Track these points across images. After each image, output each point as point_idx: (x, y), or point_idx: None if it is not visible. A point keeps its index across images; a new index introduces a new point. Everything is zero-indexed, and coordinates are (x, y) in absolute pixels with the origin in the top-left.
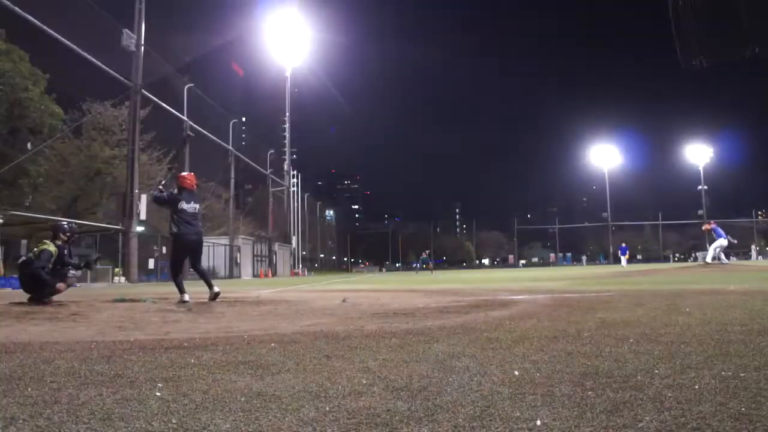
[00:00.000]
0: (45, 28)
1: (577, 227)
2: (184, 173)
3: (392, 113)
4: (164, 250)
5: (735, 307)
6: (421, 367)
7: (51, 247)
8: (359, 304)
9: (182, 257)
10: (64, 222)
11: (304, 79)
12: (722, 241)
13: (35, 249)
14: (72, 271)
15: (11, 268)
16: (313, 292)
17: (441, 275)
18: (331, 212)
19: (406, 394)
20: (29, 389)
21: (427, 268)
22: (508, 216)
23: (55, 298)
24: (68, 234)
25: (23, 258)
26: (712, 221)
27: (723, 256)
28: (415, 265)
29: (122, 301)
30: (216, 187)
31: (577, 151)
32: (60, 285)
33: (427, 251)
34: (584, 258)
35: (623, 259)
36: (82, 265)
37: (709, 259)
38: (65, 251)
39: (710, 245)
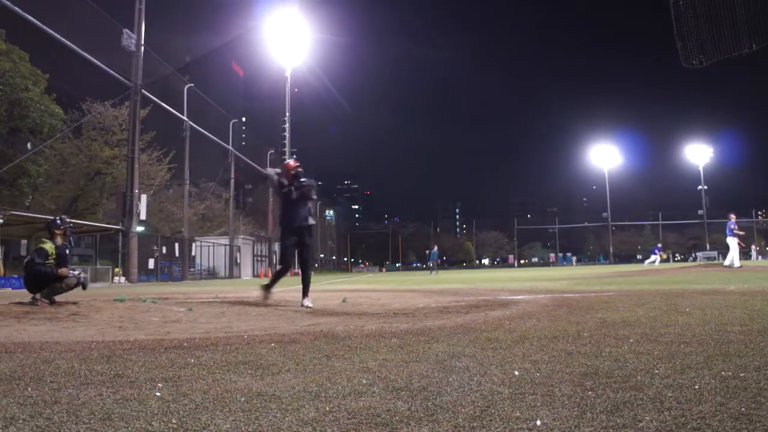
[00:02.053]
0: (45, 28)
1: (577, 227)
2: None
3: (392, 113)
4: (164, 250)
5: (735, 307)
6: (421, 367)
7: (47, 245)
8: (359, 304)
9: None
10: (57, 217)
11: (304, 79)
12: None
13: (33, 249)
14: (74, 272)
15: (11, 268)
16: (313, 292)
17: (441, 275)
18: (331, 212)
19: (406, 394)
20: (29, 389)
21: (436, 266)
22: (508, 216)
23: (59, 298)
24: (62, 227)
25: (27, 258)
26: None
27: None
28: (430, 263)
29: (122, 301)
30: (216, 187)
31: (577, 151)
32: (62, 270)
33: (436, 246)
34: (574, 258)
35: (654, 258)
36: (80, 279)
37: (737, 263)
38: (66, 250)
39: (730, 246)
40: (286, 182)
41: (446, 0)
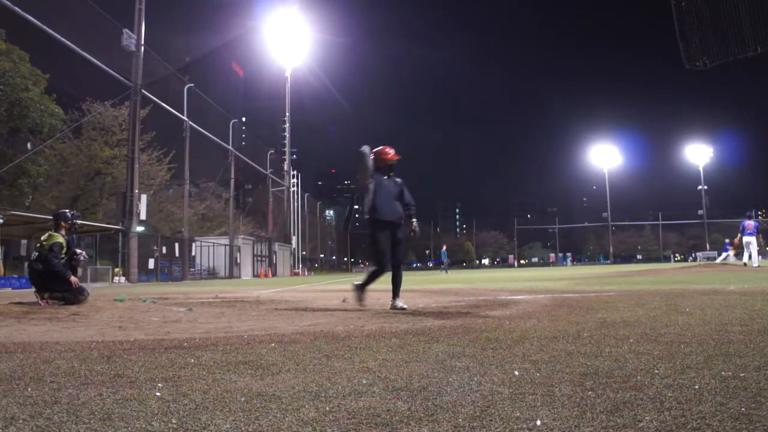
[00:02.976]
0: (45, 28)
1: (577, 227)
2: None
3: (392, 113)
4: (164, 250)
5: (735, 307)
6: (421, 367)
7: (60, 238)
8: None
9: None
10: (66, 210)
11: (304, 79)
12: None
13: (43, 241)
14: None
15: (11, 268)
16: (313, 292)
17: (441, 275)
18: (331, 212)
19: (406, 394)
20: (29, 389)
21: (444, 266)
22: (508, 216)
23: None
24: (70, 222)
25: (35, 254)
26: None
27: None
28: (438, 261)
29: (122, 301)
30: (216, 187)
31: (577, 151)
32: (73, 279)
33: (445, 245)
34: (569, 259)
35: (726, 255)
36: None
37: (756, 263)
38: (73, 242)
39: (747, 246)
40: (374, 169)
41: (446, 0)
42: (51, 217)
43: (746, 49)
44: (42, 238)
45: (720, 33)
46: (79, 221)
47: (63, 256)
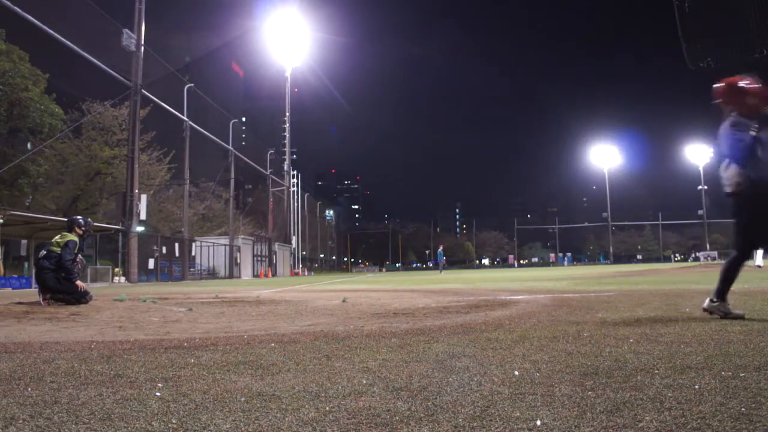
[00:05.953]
0: (45, 28)
1: (577, 227)
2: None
3: (392, 113)
4: (164, 250)
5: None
6: (421, 367)
7: (75, 237)
8: (359, 304)
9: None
10: (79, 216)
11: (304, 79)
12: None
13: (57, 240)
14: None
15: (11, 268)
16: (313, 292)
17: (442, 275)
18: (331, 212)
19: (406, 394)
20: (29, 389)
21: (440, 266)
22: (508, 216)
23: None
24: (84, 228)
25: (43, 252)
26: None
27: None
28: (437, 262)
29: (122, 301)
30: (216, 187)
31: (577, 151)
32: (79, 283)
33: (442, 245)
34: (566, 260)
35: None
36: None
37: (760, 262)
38: (83, 246)
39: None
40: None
41: (446, 0)
42: (51, 218)
43: (752, 50)
44: (55, 237)
45: (725, 34)
46: (91, 228)
47: (75, 254)
